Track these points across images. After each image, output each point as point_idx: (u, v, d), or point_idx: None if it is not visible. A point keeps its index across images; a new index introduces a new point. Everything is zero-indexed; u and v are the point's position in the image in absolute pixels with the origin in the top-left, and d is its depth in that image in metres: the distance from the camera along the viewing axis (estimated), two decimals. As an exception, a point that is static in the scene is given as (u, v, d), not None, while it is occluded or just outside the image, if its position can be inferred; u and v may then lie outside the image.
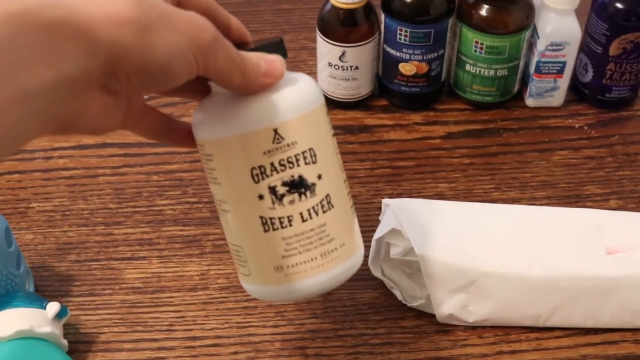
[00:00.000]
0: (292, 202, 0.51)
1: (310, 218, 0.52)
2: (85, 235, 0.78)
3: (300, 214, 0.51)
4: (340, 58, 0.85)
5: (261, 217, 0.51)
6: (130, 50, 0.41)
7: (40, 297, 0.66)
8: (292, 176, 0.51)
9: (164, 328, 0.70)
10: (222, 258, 0.75)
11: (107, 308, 0.72)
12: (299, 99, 0.51)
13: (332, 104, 0.90)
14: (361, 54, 0.85)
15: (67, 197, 0.81)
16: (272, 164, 0.50)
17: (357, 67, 0.86)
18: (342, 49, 0.84)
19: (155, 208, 0.80)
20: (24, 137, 0.40)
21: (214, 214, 0.79)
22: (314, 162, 0.51)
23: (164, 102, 0.88)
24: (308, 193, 0.51)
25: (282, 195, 0.51)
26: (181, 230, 0.78)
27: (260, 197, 0.51)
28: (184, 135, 0.54)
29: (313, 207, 0.52)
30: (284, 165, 0.50)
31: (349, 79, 0.87)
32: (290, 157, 0.51)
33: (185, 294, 0.73)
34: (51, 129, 0.42)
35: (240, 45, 0.51)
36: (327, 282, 0.54)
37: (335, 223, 0.53)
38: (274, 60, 0.50)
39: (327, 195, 0.52)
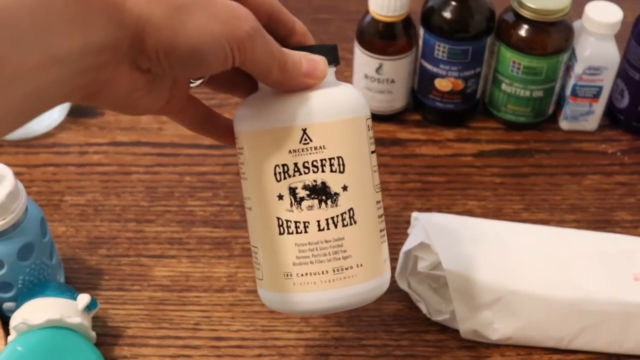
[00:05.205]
0: (310, 207, 0.49)
1: (328, 228, 0.50)
2: (117, 230, 0.79)
3: (318, 222, 0.50)
4: (377, 70, 0.85)
5: (278, 218, 0.50)
6: (159, 28, 0.41)
7: (71, 289, 0.67)
8: (315, 181, 0.49)
9: (189, 327, 0.71)
10: (250, 262, 0.75)
11: (135, 303, 0.73)
12: (335, 104, 0.50)
13: (366, 115, 0.90)
14: (398, 68, 0.85)
15: (100, 192, 0.82)
16: (295, 164, 0.49)
17: (393, 80, 0.86)
18: (380, 61, 0.85)
19: (187, 208, 0.81)
20: (51, 101, 0.40)
21: (244, 218, 0.79)
22: (341, 172, 0.50)
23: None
24: (329, 202, 0.50)
25: (302, 199, 0.49)
26: (211, 231, 0.79)
27: (280, 197, 0.50)
28: (225, 131, 0.54)
29: (332, 218, 0.50)
30: (307, 168, 0.49)
31: (384, 92, 0.87)
32: (316, 160, 0.49)
33: (212, 294, 0.73)
34: (77, 96, 0.42)
35: (291, 45, 0.50)
36: (335, 301, 0.51)
37: (355, 240, 0.51)
38: (317, 60, 0.49)
39: (351, 210, 0.50)
